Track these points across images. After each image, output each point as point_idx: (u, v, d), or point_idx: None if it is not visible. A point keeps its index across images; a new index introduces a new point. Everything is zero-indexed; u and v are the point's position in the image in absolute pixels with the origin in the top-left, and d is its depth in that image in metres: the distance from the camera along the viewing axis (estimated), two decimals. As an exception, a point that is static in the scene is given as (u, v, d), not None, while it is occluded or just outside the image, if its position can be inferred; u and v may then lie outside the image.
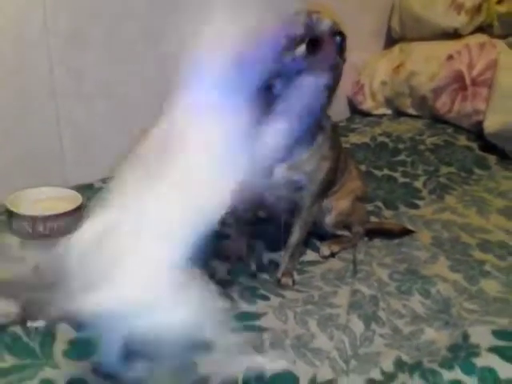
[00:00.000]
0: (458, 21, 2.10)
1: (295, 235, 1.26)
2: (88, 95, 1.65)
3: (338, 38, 1.08)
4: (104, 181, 1.65)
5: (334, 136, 1.23)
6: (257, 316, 1.12)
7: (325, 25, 1.07)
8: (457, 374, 0.92)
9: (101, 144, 1.71)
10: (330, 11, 1.12)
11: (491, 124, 1.89)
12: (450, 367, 0.93)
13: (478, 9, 2.09)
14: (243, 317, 1.12)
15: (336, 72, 1.09)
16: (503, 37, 2.04)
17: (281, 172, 1.15)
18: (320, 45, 1.04)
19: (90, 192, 1.57)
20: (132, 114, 1.73)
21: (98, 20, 1.62)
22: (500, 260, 1.35)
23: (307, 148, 1.16)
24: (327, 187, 1.25)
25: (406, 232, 1.44)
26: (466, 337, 1.03)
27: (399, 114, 2.23)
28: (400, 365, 0.99)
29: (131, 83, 1.71)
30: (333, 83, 1.09)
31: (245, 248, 1.33)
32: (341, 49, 1.10)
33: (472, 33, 2.12)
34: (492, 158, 1.88)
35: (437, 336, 1.07)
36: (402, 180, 1.75)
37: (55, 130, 1.64)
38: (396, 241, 1.40)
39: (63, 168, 1.66)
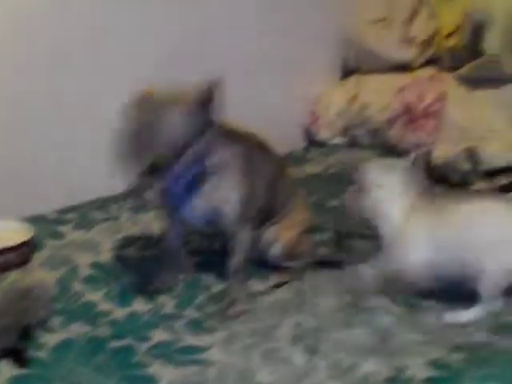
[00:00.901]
0: (409, 54, 2.19)
1: (231, 264, 1.30)
2: (37, 125, 1.66)
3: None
4: (59, 212, 1.67)
5: (249, 167, 1.28)
6: (202, 349, 1.14)
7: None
8: (389, 405, 0.95)
9: (55, 174, 1.71)
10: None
11: (439, 155, 1.96)
12: (383, 400, 0.96)
13: (428, 42, 2.19)
14: (188, 350, 1.13)
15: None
16: (452, 69, 2.13)
17: (187, 211, 1.24)
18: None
19: (43, 224, 1.58)
20: (83, 144, 1.75)
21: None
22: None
23: (202, 190, 1.22)
24: (246, 214, 1.28)
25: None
26: (402, 368, 1.06)
27: (354, 143, 2.29)
28: (338, 397, 1.01)
29: (84, 113, 1.73)
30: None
31: (170, 282, 1.36)
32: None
33: (422, 65, 2.21)
34: (438, 188, 1.94)
35: (376, 368, 1.09)
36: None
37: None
38: (341, 272, 1.43)
39: (15, 199, 1.65)
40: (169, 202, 1.28)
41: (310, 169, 2.07)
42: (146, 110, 1.12)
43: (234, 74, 2.04)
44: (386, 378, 1.05)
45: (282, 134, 2.27)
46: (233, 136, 1.27)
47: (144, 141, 1.11)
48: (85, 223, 1.61)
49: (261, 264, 1.43)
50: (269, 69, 2.16)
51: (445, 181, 1.96)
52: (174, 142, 1.11)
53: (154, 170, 1.12)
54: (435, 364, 1.07)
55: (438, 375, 1.04)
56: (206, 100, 1.15)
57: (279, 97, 2.24)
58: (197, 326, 1.21)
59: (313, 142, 2.37)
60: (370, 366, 1.10)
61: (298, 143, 2.38)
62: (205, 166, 1.20)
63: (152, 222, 1.62)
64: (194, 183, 1.21)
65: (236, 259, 1.30)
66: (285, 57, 2.21)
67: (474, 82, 2.02)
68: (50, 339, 1.15)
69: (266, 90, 2.17)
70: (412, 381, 1.03)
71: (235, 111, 2.07)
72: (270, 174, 1.37)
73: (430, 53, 2.18)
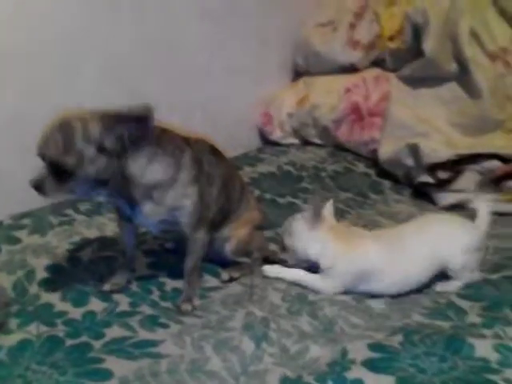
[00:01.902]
0: (355, 56, 2.28)
1: (187, 262, 1.35)
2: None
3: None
4: (13, 218, 1.69)
5: (199, 173, 1.32)
6: (155, 343, 1.19)
7: (47, 159, 1.15)
8: (329, 386, 1.02)
9: (9, 180, 1.73)
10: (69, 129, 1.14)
11: (384, 151, 2.05)
12: (324, 381, 1.03)
13: (372, 45, 2.28)
14: (142, 344, 1.18)
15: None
16: (395, 70, 2.22)
17: (139, 220, 1.30)
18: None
19: (-1, 229, 1.60)
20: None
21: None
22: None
23: (148, 204, 1.26)
24: (200, 218, 1.33)
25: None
26: (344, 352, 1.14)
27: (305, 143, 2.37)
28: (284, 381, 1.08)
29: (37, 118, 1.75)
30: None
31: (124, 281, 1.39)
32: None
33: (368, 67, 2.30)
34: (386, 183, 2.04)
35: (321, 353, 1.16)
36: (302, 206, 1.87)
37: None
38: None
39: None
40: (120, 211, 1.32)
41: (264, 168, 2.13)
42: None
43: (188, 77, 2.12)
44: (330, 361, 1.12)
45: (237, 135, 2.35)
46: (181, 143, 1.31)
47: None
48: (40, 228, 1.64)
49: (215, 261, 1.49)
50: (223, 71, 2.22)
51: (391, 176, 2.07)
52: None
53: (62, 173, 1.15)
54: (374, 346, 1.14)
55: (377, 356, 1.11)
56: (139, 115, 1.15)
57: (234, 98, 2.30)
58: (151, 322, 1.26)
59: (267, 142, 2.44)
60: (316, 351, 1.17)
61: (253, 143, 2.44)
62: (144, 183, 1.23)
63: (106, 225, 1.66)
64: (132, 200, 1.25)
65: (191, 259, 1.36)
66: (238, 59, 2.27)
67: (416, 82, 2.12)
68: (8, 340, 1.18)
69: (221, 92, 2.23)
70: (353, 363, 1.10)
71: (190, 113, 2.15)
72: (222, 177, 1.41)
73: (374, 55, 2.27)
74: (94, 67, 1.82)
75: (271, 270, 1.43)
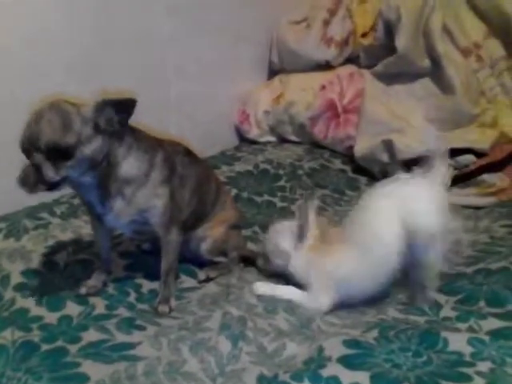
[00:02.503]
0: (329, 53, 2.29)
1: (162, 263, 1.35)
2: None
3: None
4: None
5: (171, 175, 1.32)
6: (132, 346, 1.18)
7: (42, 143, 1.10)
8: None
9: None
10: (62, 110, 1.14)
11: (360, 148, 2.07)
12: (300, 379, 1.04)
13: (345, 42, 2.28)
14: (118, 348, 1.18)
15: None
16: (369, 67, 2.23)
17: (110, 220, 1.28)
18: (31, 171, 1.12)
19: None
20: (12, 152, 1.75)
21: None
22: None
23: (120, 200, 1.25)
24: (172, 219, 1.32)
25: None
26: (320, 350, 1.14)
27: (282, 141, 2.37)
28: (261, 380, 1.08)
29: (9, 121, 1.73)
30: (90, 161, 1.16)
31: (100, 284, 1.39)
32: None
33: (342, 64, 2.31)
34: (362, 180, 2.05)
35: (298, 350, 1.17)
36: (280, 204, 1.88)
37: None
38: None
39: None
40: (92, 210, 1.31)
41: (241, 167, 2.13)
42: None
43: (160, 75, 2.11)
44: (306, 359, 1.13)
45: (213, 134, 2.34)
46: (155, 144, 1.31)
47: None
48: (15, 232, 1.62)
49: (191, 261, 1.49)
50: (196, 69, 2.21)
51: (367, 172, 2.08)
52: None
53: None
54: (350, 343, 1.15)
55: (352, 353, 1.12)
56: (111, 104, 1.16)
57: (210, 97, 2.29)
58: (128, 325, 1.26)
59: (244, 140, 2.44)
60: (293, 349, 1.18)
61: (230, 142, 2.44)
62: (117, 173, 1.22)
63: (82, 228, 1.65)
64: (106, 192, 1.23)
65: (166, 261, 1.35)
66: (212, 57, 2.27)
67: (389, 78, 2.14)
68: (-18, 347, 1.17)
69: (197, 90, 2.22)
70: (329, 360, 1.11)
71: (165, 112, 2.14)
72: (196, 179, 1.41)
73: (347, 52, 2.28)
74: (59, 66, 1.79)
75: (262, 287, 1.37)
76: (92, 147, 1.15)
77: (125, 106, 1.16)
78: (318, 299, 1.32)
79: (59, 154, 1.11)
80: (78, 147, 1.13)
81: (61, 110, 1.13)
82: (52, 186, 1.14)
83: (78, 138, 1.12)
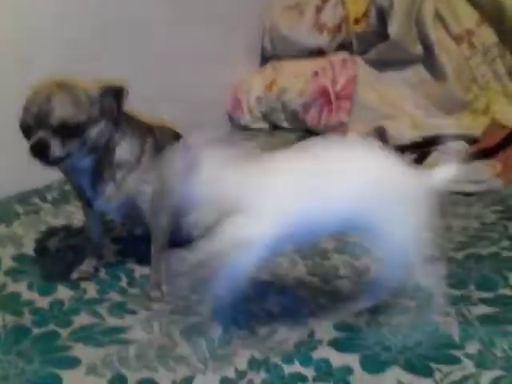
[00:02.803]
0: (321, 40, 2.28)
1: (152, 249, 1.35)
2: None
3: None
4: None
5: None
6: (123, 330, 1.18)
7: (53, 119, 1.10)
8: (295, 366, 1.03)
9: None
10: (70, 88, 1.15)
11: (352, 135, 2.07)
12: (290, 361, 1.04)
13: (338, 28, 2.28)
14: (110, 331, 1.18)
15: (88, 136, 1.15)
16: (361, 53, 2.23)
17: (99, 205, 1.28)
18: (42, 148, 1.11)
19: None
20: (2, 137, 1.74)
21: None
22: (354, 260, 1.49)
23: (110, 185, 1.25)
24: (161, 205, 1.32)
25: None
26: (311, 333, 1.15)
27: (275, 127, 2.37)
28: (252, 363, 1.09)
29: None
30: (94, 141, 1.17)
31: (92, 269, 1.39)
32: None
33: (335, 50, 2.31)
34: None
35: (288, 334, 1.17)
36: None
37: None
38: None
39: None
40: (82, 195, 1.31)
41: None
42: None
43: (157, 62, 2.10)
44: (297, 342, 1.13)
45: (206, 120, 2.33)
46: (146, 129, 1.31)
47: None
48: (6, 217, 1.62)
49: (183, 246, 1.49)
50: (192, 56, 2.21)
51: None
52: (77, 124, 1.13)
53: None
54: (340, 326, 1.16)
55: (342, 336, 1.13)
56: (113, 89, 1.18)
57: (203, 84, 2.29)
58: (119, 309, 1.26)
59: (236, 127, 2.44)
60: (284, 333, 1.18)
61: (222, 128, 2.44)
62: (112, 158, 1.23)
63: (73, 213, 1.65)
64: (98, 177, 1.24)
65: (157, 245, 1.35)
66: (204, 44, 2.26)
67: (382, 65, 2.14)
68: (-27, 331, 1.17)
69: (190, 77, 2.22)
70: (320, 343, 1.11)
71: (158, 99, 2.13)
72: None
73: (340, 38, 2.28)
74: (50, 56, 1.78)
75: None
76: (97, 129, 1.16)
77: (121, 93, 1.18)
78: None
79: (68, 131, 1.12)
80: (86, 127, 1.14)
81: (71, 90, 1.15)
82: (53, 163, 1.14)
83: (86, 118, 1.14)
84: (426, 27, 2.06)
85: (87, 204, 1.32)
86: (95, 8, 1.89)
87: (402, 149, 1.93)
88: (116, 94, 1.18)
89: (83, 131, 1.14)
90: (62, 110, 1.11)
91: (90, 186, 1.25)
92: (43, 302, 1.27)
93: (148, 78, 2.07)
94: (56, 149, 1.11)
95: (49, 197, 1.75)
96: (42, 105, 1.11)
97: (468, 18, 2.22)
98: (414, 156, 1.93)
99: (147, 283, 1.35)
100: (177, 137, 1.43)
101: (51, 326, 1.19)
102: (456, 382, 0.99)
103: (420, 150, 1.92)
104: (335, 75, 2.22)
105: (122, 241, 1.53)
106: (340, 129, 2.19)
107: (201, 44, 2.25)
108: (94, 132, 1.16)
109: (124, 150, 1.24)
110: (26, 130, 1.13)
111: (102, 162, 1.22)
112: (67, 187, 1.80)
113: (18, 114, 1.63)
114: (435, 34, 2.07)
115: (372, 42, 2.15)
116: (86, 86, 1.18)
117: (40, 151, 1.11)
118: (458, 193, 1.88)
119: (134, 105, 1.23)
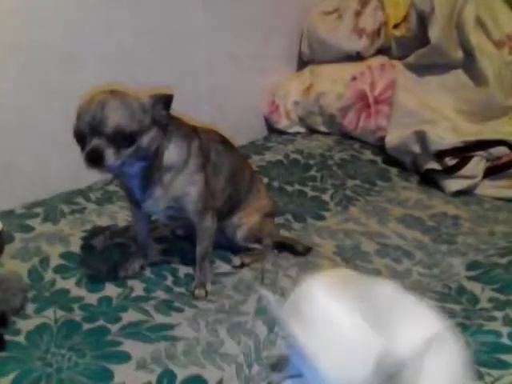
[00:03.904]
0: (360, 44, 2.28)
1: (198, 249, 1.37)
2: (5, 123, 1.69)
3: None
4: (25, 207, 1.71)
5: (207, 162, 1.34)
6: (171, 327, 1.21)
7: (108, 128, 1.12)
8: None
9: (20, 169, 1.75)
10: (123, 97, 1.17)
11: (391, 139, 2.07)
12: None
13: (377, 33, 2.28)
14: (158, 328, 1.20)
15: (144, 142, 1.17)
16: (400, 58, 2.23)
17: (147, 206, 1.30)
18: (97, 156, 1.12)
19: (11, 219, 1.62)
20: (49, 140, 1.79)
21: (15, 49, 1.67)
22: (396, 263, 1.50)
23: (159, 187, 1.27)
24: (206, 206, 1.34)
25: (308, 250, 1.53)
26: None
27: (312, 131, 2.38)
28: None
29: (48, 111, 1.77)
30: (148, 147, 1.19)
31: (138, 268, 1.42)
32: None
33: (373, 55, 2.31)
34: (393, 171, 2.05)
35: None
36: (311, 194, 1.88)
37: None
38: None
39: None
40: (131, 196, 1.34)
41: (271, 156, 2.15)
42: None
43: (192, 67, 2.13)
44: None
45: (244, 124, 2.36)
46: (191, 132, 1.33)
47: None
48: (52, 216, 1.66)
49: (226, 247, 1.51)
50: (227, 60, 2.23)
51: (398, 163, 2.08)
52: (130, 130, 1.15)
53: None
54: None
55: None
56: (163, 98, 1.20)
57: (241, 88, 2.31)
58: (166, 307, 1.28)
59: (273, 131, 2.45)
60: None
61: (259, 132, 2.45)
62: (160, 163, 1.25)
63: (118, 213, 1.68)
64: (147, 180, 1.26)
65: (201, 246, 1.37)
66: (243, 48, 2.28)
67: (421, 69, 2.13)
68: (26, 325, 1.20)
69: (228, 81, 2.24)
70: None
71: (197, 103, 2.16)
72: (230, 167, 1.43)
73: (379, 43, 2.27)
74: (95, 59, 1.82)
75: None
76: (149, 137, 1.18)
77: (170, 101, 1.20)
78: None
79: (122, 140, 1.14)
80: (139, 135, 1.16)
81: (124, 98, 1.16)
82: (106, 170, 1.18)
83: (140, 127, 1.16)
84: (466, 32, 2.05)
85: (135, 205, 1.34)
86: (138, 14, 1.92)
87: (442, 154, 1.93)
88: (165, 102, 1.19)
89: (136, 139, 1.15)
90: (116, 119, 1.13)
91: (139, 189, 1.27)
92: (92, 299, 1.30)
93: (187, 83, 2.10)
94: (110, 157, 1.13)
95: (92, 197, 1.79)
96: (96, 113, 1.13)
97: (509, 23, 2.19)
98: (454, 161, 1.92)
99: (192, 282, 1.37)
100: (222, 140, 1.45)
101: (101, 322, 1.22)
102: (507, 385, 0.99)
103: (461, 155, 1.91)
104: (374, 80, 2.22)
105: (165, 241, 1.56)
106: (378, 133, 2.18)
107: (239, 49, 2.27)
108: (145, 140, 1.17)
109: (172, 153, 1.26)
110: (80, 137, 1.15)
111: (152, 167, 1.24)
112: (110, 188, 1.84)
113: (65, 115, 1.68)
114: (476, 38, 2.05)
115: (411, 46, 2.14)
116: (136, 94, 1.20)
117: (95, 159, 1.12)
118: (499, 198, 1.87)
119: (174, 108, 1.25)
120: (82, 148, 1.15)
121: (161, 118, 1.20)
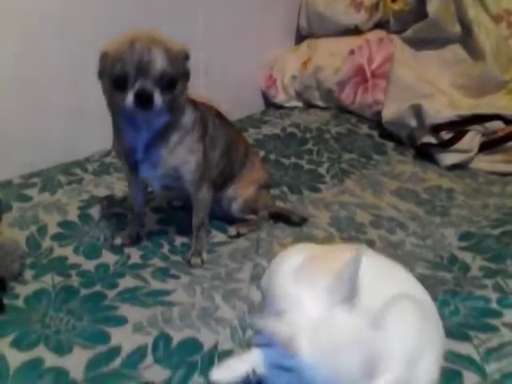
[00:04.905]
0: (358, 18, 2.28)
1: (194, 219, 1.39)
2: (3, 93, 1.69)
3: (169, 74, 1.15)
4: (23, 177, 1.72)
5: (206, 133, 1.36)
6: (167, 292, 1.23)
7: (155, 69, 1.13)
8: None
9: (17, 141, 1.76)
10: (163, 42, 1.18)
11: (388, 113, 2.07)
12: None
13: (375, 6, 2.27)
14: (154, 294, 1.22)
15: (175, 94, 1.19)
16: (398, 32, 2.22)
17: (145, 170, 1.30)
18: (147, 98, 1.13)
19: (9, 189, 1.63)
20: (47, 112, 1.79)
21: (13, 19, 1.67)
22: (390, 234, 1.52)
23: (164, 148, 1.27)
24: (202, 177, 1.35)
25: (303, 221, 1.55)
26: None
27: (309, 106, 2.38)
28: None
29: (46, 81, 1.77)
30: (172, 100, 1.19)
31: (135, 236, 1.43)
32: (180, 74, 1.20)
33: (371, 29, 2.30)
34: (389, 145, 2.06)
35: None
36: (307, 167, 1.90)
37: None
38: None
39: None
40: (128, 161, 1.34)
41: (268, 130, 2.15)
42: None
43: (193, 40, 2.12)
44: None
45: (241, 98, 2.36)
46: (194, 102, 1.34)
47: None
48: (50, 186, 1.67)
49: (222, 218, 1.53)
50: (224, 34, 2.23)
51: (394, 137, 2.09)
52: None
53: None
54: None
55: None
56: (187, 53, 1.23)
57: (238, 61, 2.31)
58: (162, 274, 1.30)
59: (270, 105, 2.45)
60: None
61: (256, 106, 2.46)
62: (177, 122, 1.26)
63: (115, 184, 1.69)
64: (157, 138, 1.26)
65: (197, 217, 1.39)
66: (240, 22, 2.27)
67: (419, 43, 2.13)
68: (25, 290, 1.22)
69: (225, 55, 2.24)
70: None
71: (193, 76, 2.16)
72: (225, 140, 1.44)
73: (377, 16, 2.27)
74: (92, 27, 1.81)
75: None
76: (181, 87, 1.21)
77: (188, 57, 1.23)
78: None
79: (166, 83, 1.15)
80: (179, 80, 1.18)
81: (165, 44, 1.18)
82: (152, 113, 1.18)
83: (177, 73, 1.18)
84: (464, 6, 2.04)
85: (132, 171, 1.34)
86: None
87: (438, 127, 1.94)
88: (185, 57, 1.22)
89: (176, 84, 1.17)
90: (163, 62, 1.14)
91: (144, 147, 1.26)
92: (89, 265, 1.32)
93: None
94: (158, 99, 1.14)
95: (90, 168, 1.80)
96: (143, 55, 1.13)
97: (507, -2, 2.19)
98: (450, 135, 1.93)
99: (188, 251, 1.39)
100: (217, 113, 1.46)
101: (98, 288, 1.24)
102: (494, 347, 1.01)
103: (456, 130, 1.92)
104: (371, 54, 2.22)
105: (162, 211, 1.57)
106: (375, 107, 2.19)
107: (236, 22, 2.26)
108: (179, 89, 1.19)
109: (186, 114, 1.28)
110: (123, 79, 1.14)
111: (169, 123, 1.24)
112: (107, 160, 1.85)
113: (63, 86, 1.67)
114: (474, 12, 2.05)
115: (409, 20, 2.14)
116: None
117: (145, 100, 1.13)
118: (494, 173, 1.89)
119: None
120: (122, 91, 1.14)
121: (186, 70, 1.22)
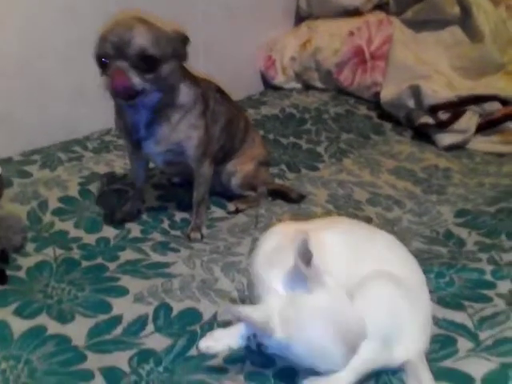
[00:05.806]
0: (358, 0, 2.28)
1: (195, 194, 1.40)
2: (4, 72, 1.70)
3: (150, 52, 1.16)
4: (23, 154, 1.73)
5: (208, 110, 1.37)
6: (167, 265, 1.25)
7: (133, 49, 1.14)
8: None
9: (18, 119, 1.76)
10: (149, 23, 1.19)
11: (386, 93, 2.09)
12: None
13: (375, -12, 2.27)
14: (154, 266, 1.24)
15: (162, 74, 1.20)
16: (398, 14, 2.23)
17: (148, 146, 1.31)
18: (117, 76, 1.14)
19: (9, 165, 1.65)
20: (48, 90, 1.80)
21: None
22: (386, 211, 1.54)
23: (166, 125, 1.29)
24: (204, 152, 1.37)
25: (301, 198, 1.57)
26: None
27: (308, 87, 2.39)
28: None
29: (47, 60, 1.77)
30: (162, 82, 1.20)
31: (135, 211, 1.45)
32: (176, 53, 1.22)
33: (371, 10, 2.30)
34: (388, 125, 2.08)
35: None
36: (305, 146, 1.91)
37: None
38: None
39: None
40: (131, 138, 1.35)
41: (267, 110, 2.16)
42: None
43: (193, 20, 2.12)
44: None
45: (240, 79, 2.36)
46: (194, 79, 1.35)
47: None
48: (50, 163, 1.68)
49: (222, 194, 1.54)
50: (224, 15, 2.23)
51: (392, 118, 2.10)
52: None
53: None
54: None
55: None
56: (183, 36, 1.23)
57: (237, 42, 2.31)
58: (162, 247, 1.32)
59: (269, 87, 2.46)
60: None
61: (255, 88, 2.46)
62: (172, 100, 1.27)
63: (115, 161, 1.70)
64: (156, 116, 1.27)
65: (198, 192, 1.40)
66: (243, 3, 2.27)
67: (418, 25, 2.13)
68: (26, 262, 1.24)
69: (225, 35, 2.24)
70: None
71: (193, 57, 2.16)
72: (226, 116, 1.46)
73: (377, -2, 2.28)
74: (93, 8, 1.82)
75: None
76: (169, 68, 1.21)
77: (187, 41, 1.24)
78: None
79: (145, 64, 1.16)
80: (161, 62, 1.18)
81: (150, 24, 1.19)
82: (130, 97, 1.18)
83: (162, 54, 1.18)
84: (463, -13, 2.05)
85: (134, 147, 1.36)
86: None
87: (435, 108, 1.95)
88: (183, 40, 1.23)
89: (158, 66, 1.17)
90: (141, 41, 1.14)
91: (145, 125, 1.28)
92: (90, 239, 1.34)
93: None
94: (135, 79, 1.15)
95: (89, 146, 1.81)
96: (121, 35, 1.14)
97: (506, -21, 2.20)
98: (447, 115, 1.94)
99: (187, 226, 1.40)
100: (219, 89, 1.47)
101: (99, 260, 1.26)
102: (488, 316, 1.03)
103: (454, 110, 1.93)
104: (371, 35, 2.22)
105: (162, 187, 1.59)
106: (374, 89, 2.20)
107: (236, 2, 2.26)
108: (166, 69, 1.20)
109: (184, 92, 1.28)
110: (103, 59, 1.16)
111: (164, 102, 1.25)
112: (107, 138, 1.86)
113: (64, 66, 1.67)
114: (473, -6, 2.05)
115: (409, 2, 2.14)
116: (161, 25, 1.22)
117: (120, 81, 1.14)
118: (490, 153, 1.91)
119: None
120: (104, 72, 1.16)
121: (181, 52, 1.23)
